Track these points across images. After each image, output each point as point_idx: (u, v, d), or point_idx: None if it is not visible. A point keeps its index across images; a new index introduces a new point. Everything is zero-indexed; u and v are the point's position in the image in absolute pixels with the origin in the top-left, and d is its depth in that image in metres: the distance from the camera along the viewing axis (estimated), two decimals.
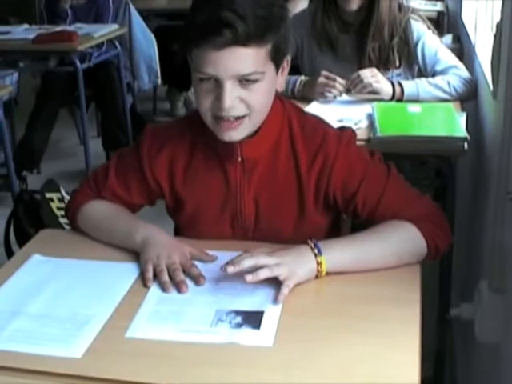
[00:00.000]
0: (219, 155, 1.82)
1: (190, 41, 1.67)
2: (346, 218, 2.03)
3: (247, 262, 1.58)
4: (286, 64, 1.78)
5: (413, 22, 3.04)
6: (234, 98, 1.66)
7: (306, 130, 1.82)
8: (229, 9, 1.59)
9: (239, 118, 1.70)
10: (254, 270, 1.57)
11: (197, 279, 1.66)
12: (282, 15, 1.70)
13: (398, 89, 2.91)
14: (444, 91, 2.88)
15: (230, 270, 1.57)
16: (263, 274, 1.57)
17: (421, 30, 3.04)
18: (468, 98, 2.92)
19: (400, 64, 3.08)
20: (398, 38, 3.02)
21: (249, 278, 1.55)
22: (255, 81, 1.66)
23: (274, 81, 1.74)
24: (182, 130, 1.88)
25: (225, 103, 1.65)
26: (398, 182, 1.82)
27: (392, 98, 2.92)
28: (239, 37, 1.60)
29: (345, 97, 2.99)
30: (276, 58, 1.70)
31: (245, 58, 1.63)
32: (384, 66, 3.05)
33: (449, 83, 2.88)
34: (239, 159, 1.80)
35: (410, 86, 2.90)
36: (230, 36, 1.59)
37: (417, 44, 3.02)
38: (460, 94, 2.89)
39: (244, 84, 1.66)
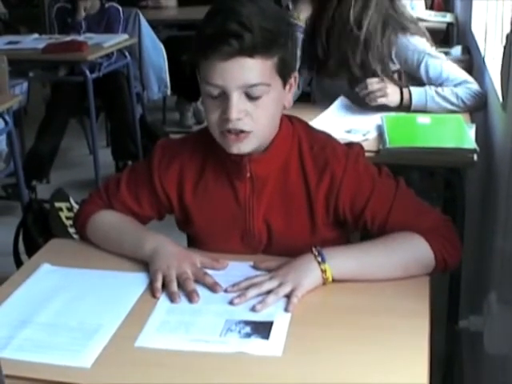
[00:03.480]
0: (229, 172, 1.83)
1: (198, 52, 1.69)
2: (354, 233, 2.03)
3: (251, 293, 1.63)
4: (294, 81, 1.79)
5: (411, 41, 2.98)
6: (240, 111, 1.67)
7: (315, 147, 1.83)
8: (236, 21, 1.62)
9: (244, 132, 1.71)
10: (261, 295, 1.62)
11: (213, 287, 1.67)
12: (289, 31, 1.73)
13: (406, 96, 2.89)
14: (452, 103, 2.87)
15: (237, 301, 1.60)
16: (271, 300, 1.60)
17: (421, 51, 2.96)
18: (476, 109, 2.92)
19: (400, 78, 3.04)
20: (384, 49, 2.97)
21: (258, 307, 1.58)
22: (261, 94, 1.68)
23: (281, 96, 1.75)
24: (193, 145, 1.89)
25: (231, 115, 1.66)
26: (406, 196, 1.81)
27: (400, 105, 2.91)
28: (245, 47, 1.62)
29: (353, 106, 3.00)
30: (283, 73, 1.72)
31: (251, 68, 1.65)
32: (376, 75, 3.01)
33: (457, 96, 2.86)
34: (248, 175, 1.81)
35: (419, 95, 2.88)
36: (236, 46, 1.62)
37: (419, 66, 2.96)
38: (468, 106, 2.88)
39: (251, 97, 1.67)
